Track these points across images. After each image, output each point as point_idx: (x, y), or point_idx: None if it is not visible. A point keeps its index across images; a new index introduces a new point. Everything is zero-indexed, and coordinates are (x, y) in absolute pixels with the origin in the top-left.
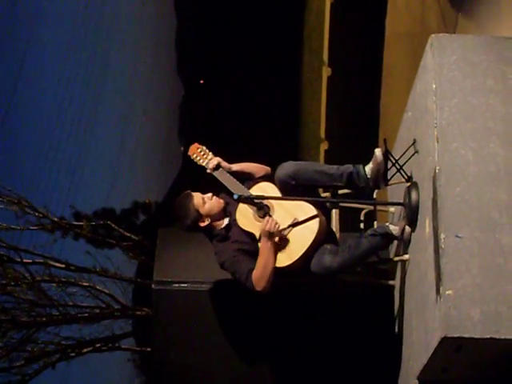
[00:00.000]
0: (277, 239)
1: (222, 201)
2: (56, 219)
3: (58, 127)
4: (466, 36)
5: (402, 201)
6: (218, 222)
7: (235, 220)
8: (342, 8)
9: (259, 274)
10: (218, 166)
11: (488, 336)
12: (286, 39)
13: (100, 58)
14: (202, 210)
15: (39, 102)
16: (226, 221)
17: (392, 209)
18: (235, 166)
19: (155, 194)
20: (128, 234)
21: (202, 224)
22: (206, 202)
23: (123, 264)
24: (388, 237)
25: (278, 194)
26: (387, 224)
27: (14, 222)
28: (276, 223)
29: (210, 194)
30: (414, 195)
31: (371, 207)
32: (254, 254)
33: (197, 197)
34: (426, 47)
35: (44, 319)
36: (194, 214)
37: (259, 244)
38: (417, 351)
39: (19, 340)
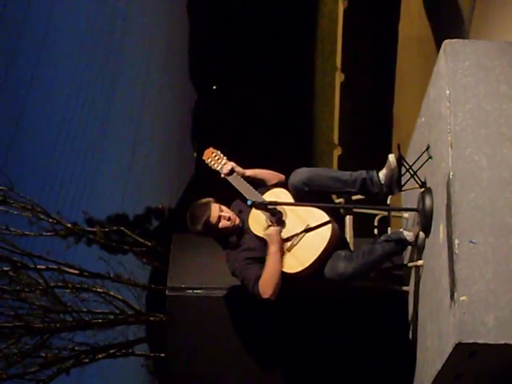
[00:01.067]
0: (288, 245)
1: (238, 220)
2: (69, 225)
3: (70, 132)
4: (479, 41)
5: (415, 207)
6: (231, 229)
7: (248, 226)
8: (355, 13)
9: (265, 282)
10: (232, 171)
11: (502, 342)
12: (298, 44)
13: (113, 64)
14: (214, 226)
15: (52, 107)
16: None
17: (406, 215)
18: (249, 172)
19: (168, 199)
20: (141, 240)
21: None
22: (220, 221)
23: (137, 270)
24: (402, 243)
25: (292, 200)
26: (401, 230)
27: (27, 228)
28: (280, 231)
29: (228, 214)
30: (427, 201)
31: (385, 213)
32: (264, 262)
33: (214, 211)
34: (440, 53)
35: (58, 325)
36: (209, 224)
37: None
38: (431, 357)
39: (33, 346)
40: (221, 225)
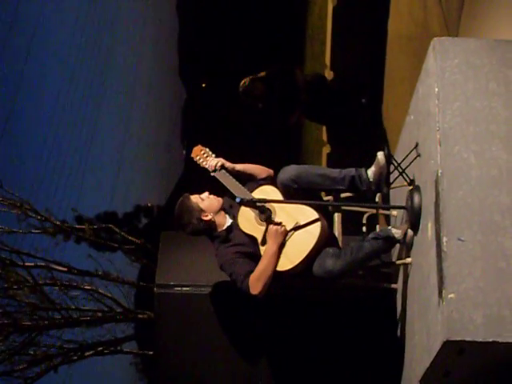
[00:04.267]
0: None
1: (220, 198)
2: (58, 222)
3: (59, 130)
4: (468, 39)
5: (404, 204)
6: (221, 221)
7: (237, 223)
8: (344, 11)
9: (257, 277)
10: (220, 168)
11: (490, 339)
12: (288, 42)
13: (102, 61)
14: (202, 205)
15: (41, 104)
16: (228, 222)
17: (394, 212)
18: (238, 166)
19: (157, 197)
20: (130, 238)
21: (206, 218)
22: (203, 199)
23: (125, 267)
24: (390, 240)
25: (281, 198)
26: (389, 227)
27: (16, 225)
28: (284, 229)
29: (206, 193)
30: (416, 198)
31: (373, 211)
32: (253, 258)
33: (194, 197)
34: (429, 50)
35: (46, 323)
36: (196, 209)
37: (261, 247)
38: (419, 355)
39: (21, 343)
40: (206, 202)
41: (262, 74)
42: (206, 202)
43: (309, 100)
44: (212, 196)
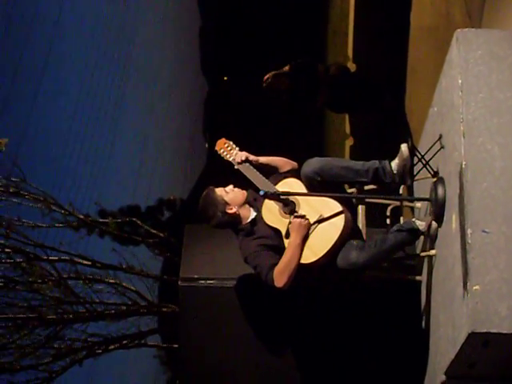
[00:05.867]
0: None
1: (244, 191)
2: (82, 216)
3: (82, 124)
4: (491, 30)
5: (428, 196)
6: (245, 214)
7: (261, 216)
8: (367, 2)
9: (281, 270)
10: (244, 161)
11: None
12: (310, 35)
13: (124, 56)
14: (227, 198)
15: (64, 98)
16: (252, 215)
17: (418, 204)
18: (262, 159)
19: (180, 190)
20: (154, 231)
21: (230, 211)
22: (228, 192)
23: (149, 261)
24: (414, 232)
25: (304, 191)
26: (413, 219)
27: (40, 219)
28: (308, 222)
29: (231, 186)
30: (440, 190)
31: (397, 203)
32: (278, 250)
33: (219, 190)
34: (452, 42)
35: (71, 316)
36: (221, 202)
37: (285, 240)
38: (444, 347)
39: (46, 337)
40: (231, 194)
41: (286, 68)
42: (230, 194)
43: (331, 92)
44: (236, 189)
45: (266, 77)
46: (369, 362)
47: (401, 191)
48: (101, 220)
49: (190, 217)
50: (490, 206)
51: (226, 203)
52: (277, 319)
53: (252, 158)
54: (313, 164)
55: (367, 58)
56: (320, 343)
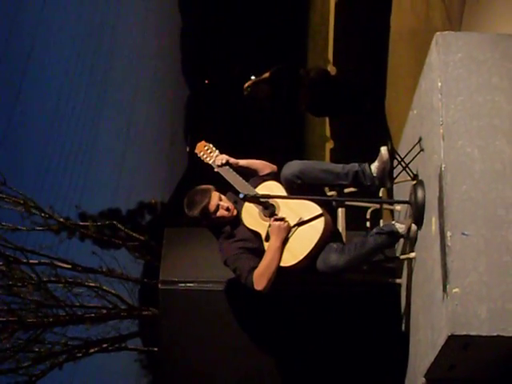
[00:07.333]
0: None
1: (235, 212)
2: (62, 220)
3: (63, 128)
4: (471, 33)
5: (407, 199)
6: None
7: (241, 219)
8: (347, 6)
9: (261, 272)
10: (224, 164)
11: (495, 334)
12: (290, 38)
13: (104, 58)
14: (212, 214)
15: (44, 103)
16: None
17: (398, 207)
18: (242, 162)
19: (161, 193)
20: (134, 234)
21: (214, 215)
22: (218, 210)
23: (129, 264)
24: (394, 235)
25: (284, 193)
26: (393, 222)
27: (20, 222)
28: (288, 224)
29: (227, 205)
30: (419, 193)
31: (377, 206)
32: (257, 253)
33: (214, 199)
34: (431, 45)
35: (51, 320)
36: (213, 205)
37: (265, 243)
38: (424, 349)
39: (26, 341)
40: (218, 213)
41: (266, 75)
42: (218, 213)
43: (312, 96)
44: (231, 208)
45: (245, 85)
46: (349, 365)
47: (380, 194)
48: (81, 223)
49: (170, 220)
50: (470, 208)
51: (208, 215)
52: (257, 322)
53: (232, 160)
54: (293, 167)
55: (347, 61)
56: (300, 345)
